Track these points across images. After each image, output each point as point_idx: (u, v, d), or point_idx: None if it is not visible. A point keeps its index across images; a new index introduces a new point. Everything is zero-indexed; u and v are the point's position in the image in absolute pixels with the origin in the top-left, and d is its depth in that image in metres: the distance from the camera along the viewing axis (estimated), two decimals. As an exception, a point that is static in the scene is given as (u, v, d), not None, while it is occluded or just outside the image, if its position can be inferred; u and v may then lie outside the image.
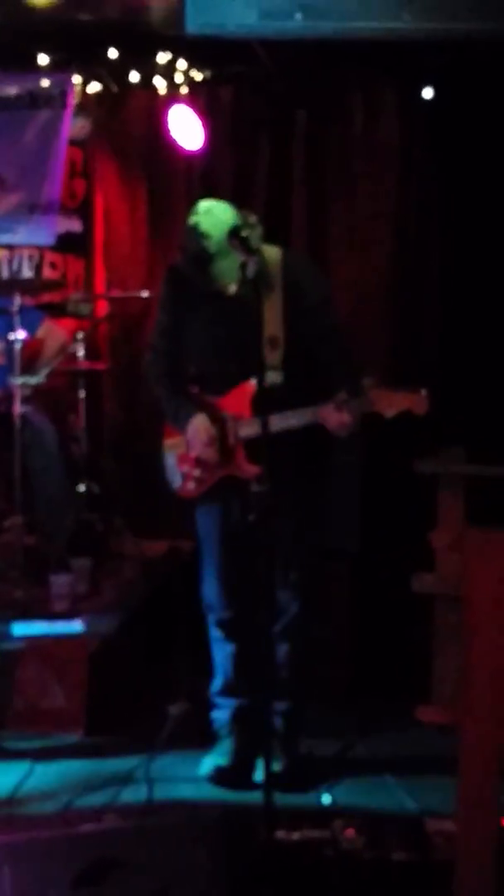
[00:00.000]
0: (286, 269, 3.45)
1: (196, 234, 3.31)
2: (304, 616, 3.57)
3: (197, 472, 3.54)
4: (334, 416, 3.27)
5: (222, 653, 3.64)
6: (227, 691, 3.65)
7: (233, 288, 3.36)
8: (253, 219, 3.40)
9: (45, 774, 3.60)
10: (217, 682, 3.67)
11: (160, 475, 3.67)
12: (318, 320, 3.46)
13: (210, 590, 3.64)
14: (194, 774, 3.55)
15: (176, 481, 3.61)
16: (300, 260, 3.59)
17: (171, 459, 3.62)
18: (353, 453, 4.61)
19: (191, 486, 3.57)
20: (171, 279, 3.57)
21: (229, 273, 3.32)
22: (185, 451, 3.55)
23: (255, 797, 2.84)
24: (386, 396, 3.23)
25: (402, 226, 5.62)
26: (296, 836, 2.96)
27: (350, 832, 2.93)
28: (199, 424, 3.47)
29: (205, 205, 3.39)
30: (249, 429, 3.38)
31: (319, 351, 3.44)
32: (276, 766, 3.36)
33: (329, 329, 3.50)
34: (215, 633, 3.65)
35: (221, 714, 3.67)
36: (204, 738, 3.67)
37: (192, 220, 3.35)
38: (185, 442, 3.52)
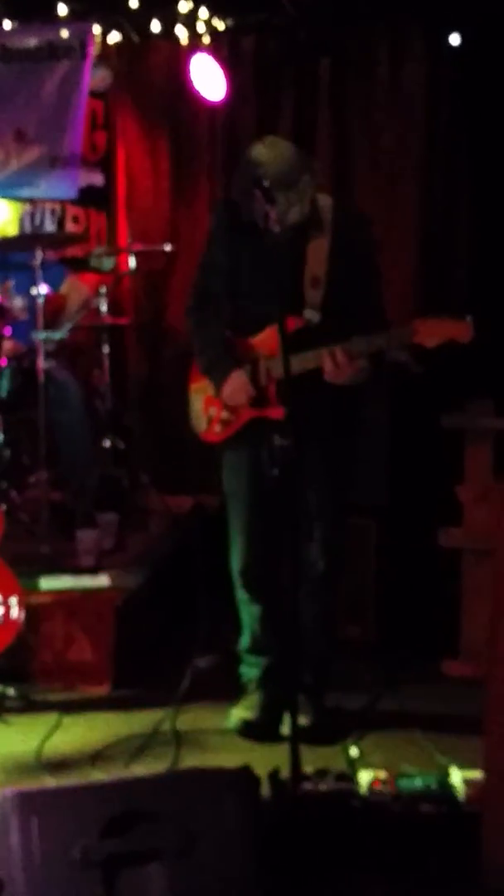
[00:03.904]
0: (337, 214, 3.41)
1: (251, 162, 3.25)
2: (332, 571, 3.54)
3: (224, 414, 3.48)
4: (327, 362, 3.23)
5: (249, 614, 3.63)
6: (255, 650, 3.65)
7: (278, 227, 3.22)
8: (316, 164, 3.37)
9: (74, 725, 3.63)
10: (245, 640, 3.67)
11: (186, 423, 3.62)
12: (358, 269, 3.40)
13: (237, 552, 3.60)
14: (221, 726, 3.57)
15: (201, 425, 3.56)
16: (353, 207, 3.54)
17: (197, 403, 3.57)
18: (380, 408, 4.57)
19: (217, 428, 3.52)
20: (224, 212, 3.49)
21: (279, 206, 3.20)
22: (212, 392, 3.49)
23: (282, 750, 2.84)
24: (428, 326, 3.16)
25: (429, 176, 5.51)
26: (322, 787, 2.96)
27: (377, 784, 2.93)
28: (237, 383, 3.41)
29: (270, 138, 3.36)
30: (281, 368, 3.32)
31: (353, 298, 3.38)
32: (304, 720, 3.37)
33: (365, 280, 3.44)
34: (242, 595, 3.63)
35: (250, 670, 3.67)
36: (231, 690, 3.68)
37: (252, 152, 3.29)
38: (220, 395, 3.46)
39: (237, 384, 3.41)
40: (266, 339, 3.38)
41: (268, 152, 3.29)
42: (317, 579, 3.49)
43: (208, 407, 3.53)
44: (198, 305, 3.56)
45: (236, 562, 3.61)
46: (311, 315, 3.35)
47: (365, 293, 3.41)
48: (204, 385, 3.53)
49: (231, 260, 3.44)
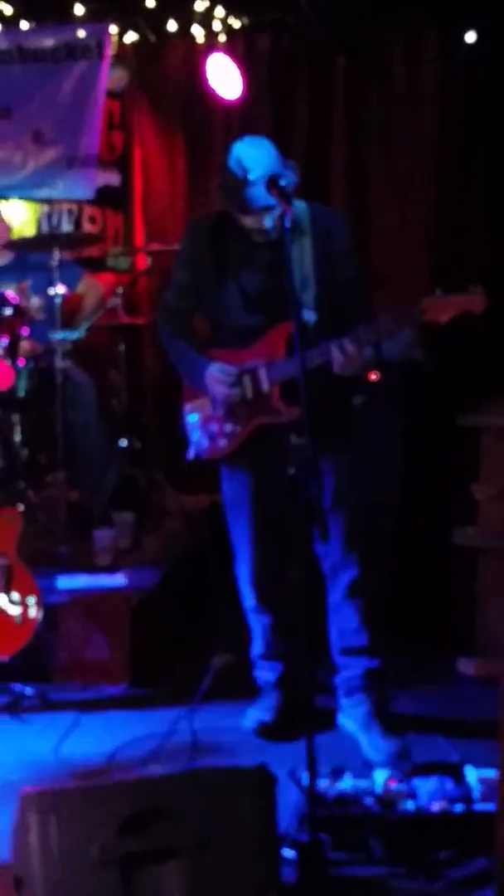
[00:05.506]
0: (314, 216, 3.40)
1: (238, 163, 3.25)
2: (363, 572, 3.47)
3: (228, 427, 3.45)
4: (336, 354, 3.21)
5: (261, 622, 3.61)
6: (269, 656, 3.63)
7: (268, 222, 3.28)
8: (291, 163, 3.36)
9: (91, 725, 3.66)
10: (257, 647, 3.65)
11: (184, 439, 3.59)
12: (342, 269, 3.40)
13: (243, 564, 3.58)
14: (237, 725, 3.59)
15: (203, 445, 3.52)
16: (327, 210, 3.56)
17: (194, 422, 3.54)
18: (396, 407, 4.58)
19: (221, 443, 3.48)
20: (196, 232, 3.52)
21: (265, 202, 3.22)
22: (210, 409, 3.48)
23: (298, 749, 2.85)
24: (438, 302, 3.14)
25: (444, 174, 5.51)
26: (338, 786, 2.97)
27: (391, 781, 2.94)
28: (216, 370, 3.39)
29: (249, 138, 3.35)
30: (283, 369, 3.31)
31: (341, 297, 3.39)
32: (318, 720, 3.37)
33: (350, 279, 3.43)
34: (250, 604, 3.61)
35: (265, 674, 3.66)
36: (247, 690, 3.69)
37: (235, 149, 3.30)
38: (209, 398, 3.44)
39: (214, 377, 3.40)
40: (264, 345, 3.38)
41: (260, 151, 3.28)
42: (350, 579, 3.45)
43: (207, 424, 3.50)
44: (166, 320, 3.57)
45: (244, 570, 3.59)
46: (309, 315, 3.34)
47: (351, 291, 3.42)
48: (199, 402, 3.51)
49: (211, 280, 3.43)
